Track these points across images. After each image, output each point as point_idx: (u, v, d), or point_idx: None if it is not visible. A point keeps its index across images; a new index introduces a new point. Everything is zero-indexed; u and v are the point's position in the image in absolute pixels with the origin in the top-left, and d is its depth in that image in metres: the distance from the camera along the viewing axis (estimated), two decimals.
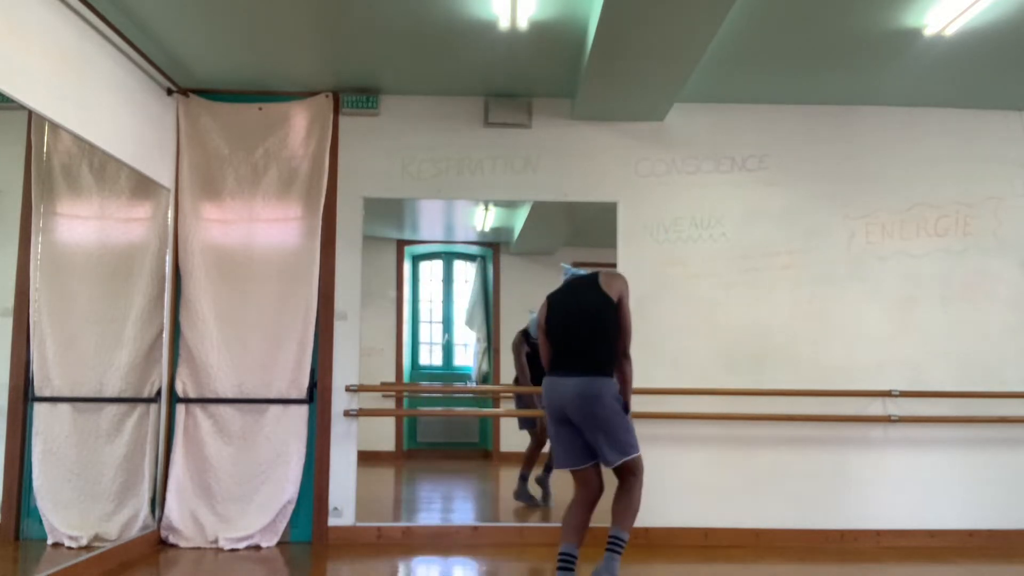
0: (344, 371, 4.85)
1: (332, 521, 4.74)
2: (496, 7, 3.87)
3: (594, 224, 6.49)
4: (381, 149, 4.97)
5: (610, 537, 3.40)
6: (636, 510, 3.49)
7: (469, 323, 8.34)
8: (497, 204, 6.76)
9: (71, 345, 3.95)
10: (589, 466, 3.52)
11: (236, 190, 4.85)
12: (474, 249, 8.50)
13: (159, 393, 4.66)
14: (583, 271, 3.85)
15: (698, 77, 4.55)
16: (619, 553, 3.34)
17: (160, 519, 4.60)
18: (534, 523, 4.91)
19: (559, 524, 4.91)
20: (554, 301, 3.71)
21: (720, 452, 4.84)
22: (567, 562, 3.42)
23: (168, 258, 4.75)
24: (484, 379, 8.11)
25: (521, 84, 4.85)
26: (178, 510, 4.59)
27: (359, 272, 4.93)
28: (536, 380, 5.39)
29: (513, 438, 7.97)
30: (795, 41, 4.21)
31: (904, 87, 4.79)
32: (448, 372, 8.17)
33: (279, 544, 4.65)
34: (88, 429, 4.12)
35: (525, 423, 6.03)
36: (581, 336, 3.53)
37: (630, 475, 3.50)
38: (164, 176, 4.72)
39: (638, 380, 4.89)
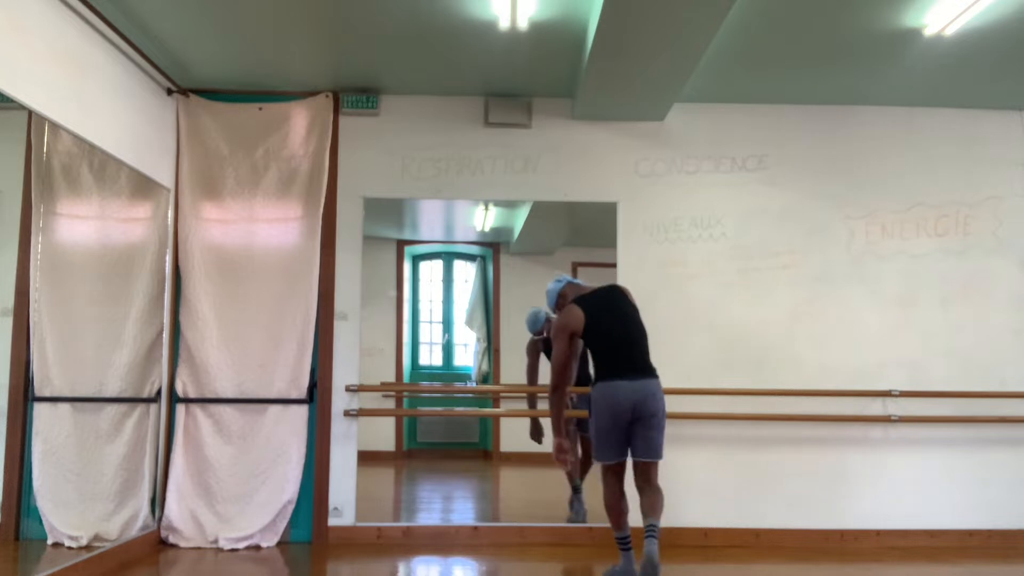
0: (344, 371, 4.85)
1: (332, 521, 4.74)
2: (496, 7, 3.87)
3: (594, 224, 6.48)
4: (381, 149, 4.97)
5: (650, 526, 3.67)
6: (663, 501, 3.82)
7: (469, 323, 8.34)
8: (497, 204, 6.75)
9: (71, 345, 3.95)
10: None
11: (236, 190, 4.85)
12: (474, 249, 8.50)
13: (159, 393, 4.66)
14: (579, 280, 4.19)
15: (698, 77, 4.55)
16: (657, 537, 3.66)
17: (160, 519, 4.60)
18: (534, 523, 4.90)
19: (558, 524, 4.94)
20: (592, 308, 3.86)
21: (720, 452, 4.84)
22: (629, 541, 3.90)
23: (168, 258, 4.75)
24: (484, 379, 8.10)
25: (521, 84, 4.85)
26: (178, 510, 4.59)
27: (359, 272, 4.93)
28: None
29: (513, 438, 7.98)
30: (795, 41, 4.21)
31: (904, 87, 4.79)
32: (448, 372, 8.17)
33: (279, 544, 4.65)
34: (88, 429, 4.12)
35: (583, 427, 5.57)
36: (639, 343, 3.86)
37: (655, 473, 3.82)
38: (164, 176, 4.72)
39: None
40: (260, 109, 4.89)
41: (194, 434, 4.70)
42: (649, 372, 3.82)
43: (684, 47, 3.97)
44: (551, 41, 4.23)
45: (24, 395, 3.62)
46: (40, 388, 3.73)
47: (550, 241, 7.86)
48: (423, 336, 8.17)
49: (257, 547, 4.57)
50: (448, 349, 8.23)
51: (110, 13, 3.92)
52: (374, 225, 6.74)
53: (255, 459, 4.69)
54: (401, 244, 8.14)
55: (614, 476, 3.83)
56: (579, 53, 4.32)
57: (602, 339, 3.82)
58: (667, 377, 4.83)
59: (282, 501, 4.65)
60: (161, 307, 4.68)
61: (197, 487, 4.66)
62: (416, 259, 8.60)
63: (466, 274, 8.71)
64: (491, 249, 8.31)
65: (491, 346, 8.18)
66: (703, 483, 4.82)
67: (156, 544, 4.55)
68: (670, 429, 4.80)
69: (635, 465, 3.81)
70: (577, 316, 3.82)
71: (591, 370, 3.99)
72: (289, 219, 4.87)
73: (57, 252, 3.87)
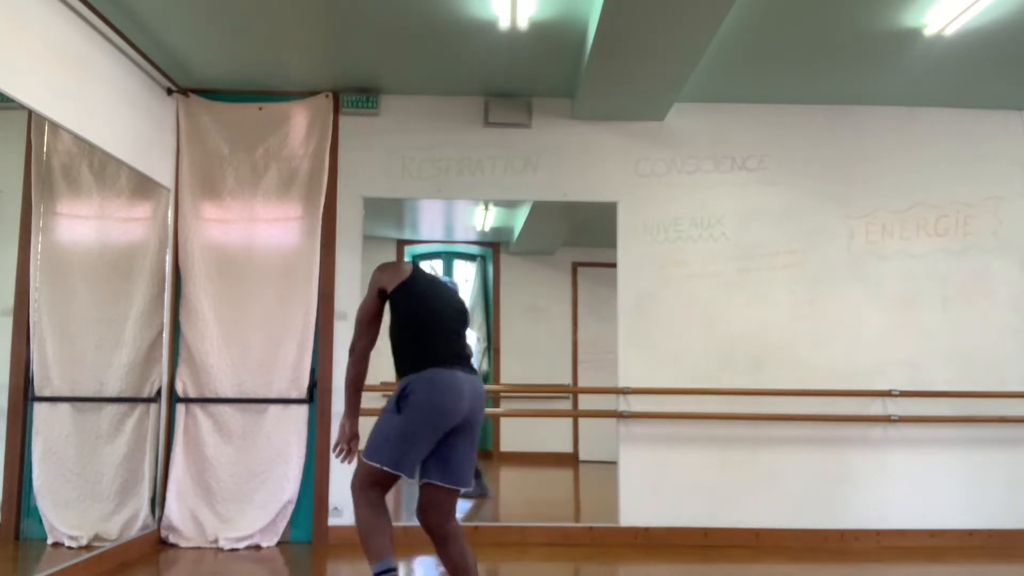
0: (344, 371, 4.84)
1: (332, 521, 4.74)
2: (496, 7, 3.87)
3: (594, 224, 6.49)
4: (381, 149, 4.97)
5: None
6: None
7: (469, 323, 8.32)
8: (497, 204, 6.76)
9: (71, 345, 3.95)
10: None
11: (236, 190, 4.85)
12: (474, 249, 8.50)
13: (159, 393, 4.66)
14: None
15: (698, 77, 4.55)
16: None
17: (160, 519, 4.60)
18: (534, 523, 4.90)
19: (558, 524, 4.94)
20: (417, 278, 3.01)
21: (720, 452, 4.84)
22: None
23: (168, 258, 4.75)
24: (484, 379, 8.10)
25: (521, 84, 4.85)
26: (178, 510, 4.59)
27: (359, 272, 4.93)
28: None
29: (513, 438, 7.99)
30: (795, 41, 4.21)
31: (904, 87, 4.79)
32: None
33: (279, 544, 4.65)
34: (88, 429, 4.12)
35: None
36: (460, 330, 3.03)
37: (455, 510, 2.92)
38: (164, 176, 4.72)
39: (640, 379, 4.92)
40: (260, 109, 4.89)
41: (194, 434, 4.70)
42: (473, 367, 2.99)
43: (684, 47, 3.97)
44: (551, 41, 4.23)
45: (24, 395, 3.62)
46: (40, 388, 3.72)
47: (550, 241, 7.87)
48: None
49: (257, 547, 4.57)
50: None
51: (110, 13, 3.92)
52: (374, 225, 6.74)
53: (255, 459, 4.69)
54: (401, 244, 8.15)
55: (383, 491, 2.83)
56: (579, 53, 4.32)
57: (430, 313, 2.93)
58: (667, 377, 4.86)
59: (282, 501, 4.65)
60: (161, 307, 4.68)
61: (197, 487, 4.66)
62: (416, 259, 8.60)
63: (466, 274, 8.71)
64: (491, 249, 8.32)
65: (491, 346, 8.18)
66: (703, 483, 4.82)
67: (156, 544, 4.55)
68: (670, 429, 4.86)
69: (431, 495, 2.85)
70: (398, 273, 2.97)
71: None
72: (289, 219, 4.87)
73: (57, 252, 3.87)
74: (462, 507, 5.93)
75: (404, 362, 2.91)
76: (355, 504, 2.81)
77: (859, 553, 4.65)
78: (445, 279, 3.32)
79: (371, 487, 2.79)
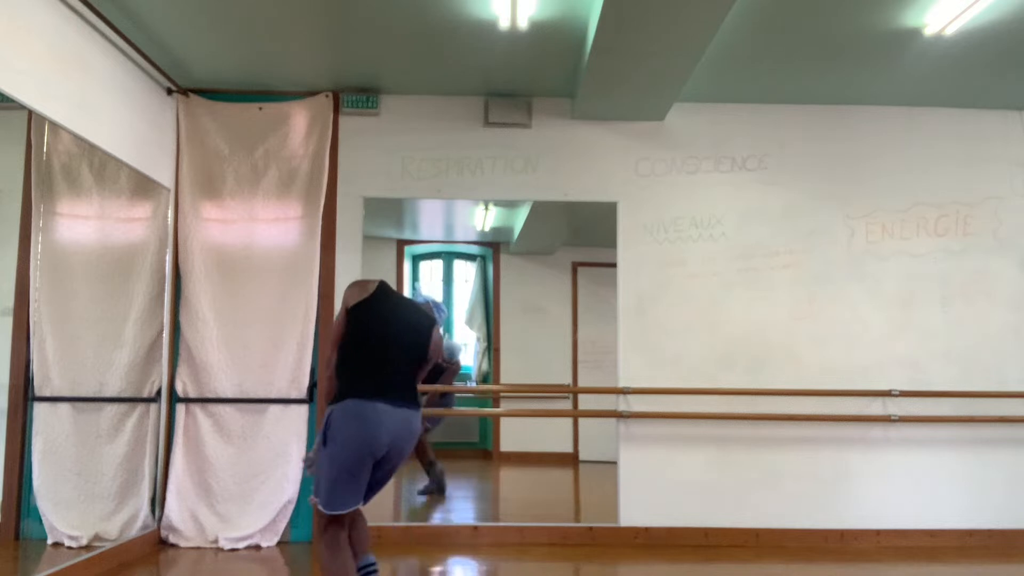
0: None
1: None
2: (496, 7, 3.87)
3: (594, 224, 6.49)
4: (381, 149, 4.97)
5: (369, 566, 3.03)
6: None
7: (469, 323, 8.34)
8: (497, 204, 6.76)
9: (71, 345, 3.95)
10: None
11: (236, 190, 4.86)
12: (474, 249, 8.50)
13: (159, 393, 4.66)
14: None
15: (698, 77, 4.55)
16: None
17: (160, 519, 4.61)
18: (534, 523, 4.90)
19: (558, 524, 4.94)
20: (376, 300, 3.04)
21: (720, 452, 4.84)
22: None
23: (168, 258, 4.75)
24: (484, 379, 8.11)
25: (521, 84, 4.85)
26: (178, 510, 4.60)
27: (359, 272, 4.93)
28: None
29: (513, 438, 7.99)
30: (795, 41, 4.21)
31: (904, 87, 4.79)
32: None
33: (279, 544, 4.65)
34: (88, 429, 4.12)
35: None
36: (408, 359, 3.06)
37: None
38: (164, 176, 4.72)
39: (640, 379, 4.92)
40: (260, 109, 4.89)
41: (194, 434, 4.70)
42: (411, 399, 3.02)
43: (684, 47, 3.97)
44: (551, 41, 4.23)
45: (24, 395, 3.62)
46: (40, 388, 3.73)
47: (550, 241, 7.87)
48: None
49: (257, 547, 4.57)
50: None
51: (110, 13, 3.92)
52: (374, 225, 6.74)
53: (255, 459, 4.69)
54: (401, 244, 8.15)
55: (338, 526, 2.92)
56: (579, 53, 4.32)
57: (370, 333, 2.97)
58: (667, 377, 4.87)
59: (282, 501, 4.65)
60: (161, 307, 4.68)
61: (197, 487, 4.66)
62: (416, 259, 8.61)
63: (466, 274, 8.72)
64: (491, 249, 8.32)
65: (491, 346, 8.18)
66: (703, 483, 4.82)
67: (156, 544, 4.55)
68: (670, 429, 4.86)
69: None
70: (355, 294, 3.02)
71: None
72: (289, 219, 4.87)
73: (57, 252, 3.88)
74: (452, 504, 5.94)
75: (338, 386, 2.98)
76: (319, 538, 2.93)
77: (859, 553, 4.65)
78: (423, 299, 3.36)
79: (328, 523, 2.91)
